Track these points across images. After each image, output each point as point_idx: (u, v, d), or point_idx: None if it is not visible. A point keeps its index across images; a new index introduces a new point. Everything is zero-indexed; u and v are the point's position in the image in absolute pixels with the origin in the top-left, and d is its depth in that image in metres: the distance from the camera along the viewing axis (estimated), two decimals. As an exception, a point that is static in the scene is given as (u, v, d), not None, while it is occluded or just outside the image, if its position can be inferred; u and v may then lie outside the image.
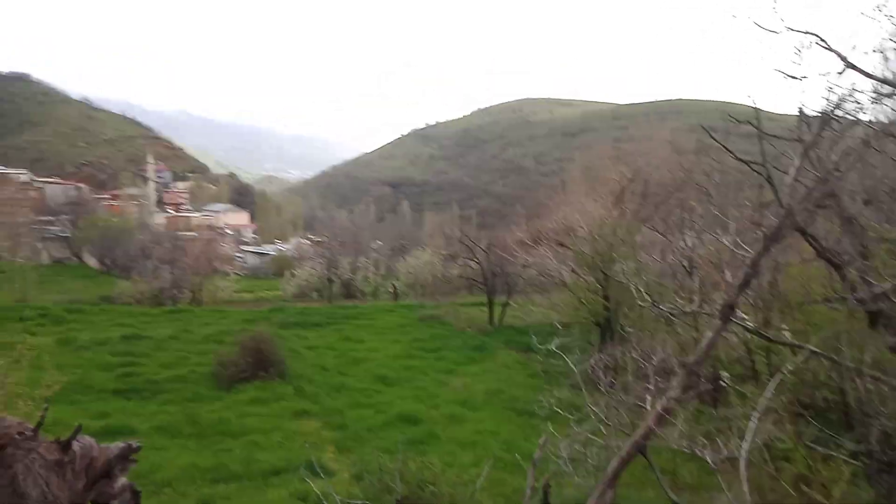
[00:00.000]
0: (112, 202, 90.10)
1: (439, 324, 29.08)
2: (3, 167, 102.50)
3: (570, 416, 6.99)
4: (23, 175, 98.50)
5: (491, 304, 30.21)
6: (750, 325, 8.21)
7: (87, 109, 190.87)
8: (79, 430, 2.96)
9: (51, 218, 62.16)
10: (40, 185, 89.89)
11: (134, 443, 3.51)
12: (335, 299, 40.25)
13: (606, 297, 19.80)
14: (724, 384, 13.83)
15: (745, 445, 5.76)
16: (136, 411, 15.45)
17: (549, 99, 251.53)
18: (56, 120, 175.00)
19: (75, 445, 3.02)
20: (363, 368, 20.78)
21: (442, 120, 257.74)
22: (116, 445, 3.32)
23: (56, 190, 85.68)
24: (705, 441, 6.30)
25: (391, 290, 41.31)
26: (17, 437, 2.91)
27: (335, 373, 20.07)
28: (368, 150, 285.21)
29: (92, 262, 52.88)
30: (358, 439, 14.76)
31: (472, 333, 27.15)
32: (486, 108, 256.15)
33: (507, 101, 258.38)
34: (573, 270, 22.28)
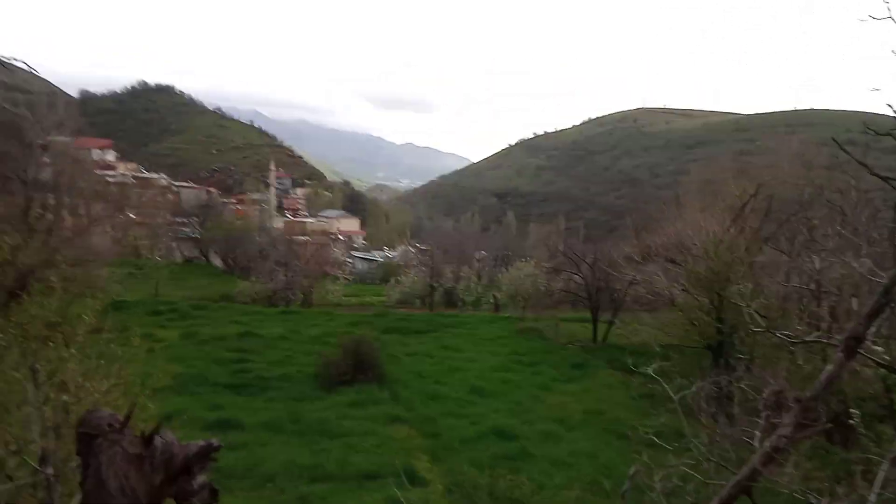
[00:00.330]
0: (237, 206, 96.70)
1: (539, 338, 28.57)
2: (146, 172, 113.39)
3: (668, 447, 6.50)
4: (163, 179, 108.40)
5: (595, 321, 29.27)
6: (884, 358, 7.28)
7: (219, 119, 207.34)
8: (160, 425, 3.08)
9: (184, 219, 67.70)
10: (177, 188, 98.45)
11: (214, 442, 3.58)
12: (437, 307, 40.72)
13: (720, 320, 18.52)
14: (853, 423, 12.45)
15: (873, 497, 5.07)
16: (246, 406, 16.33)
17: (666, 109, 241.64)
18: (193, 128, 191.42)
19: (157, 441, 3.13)
20: (459, 378, 20.77)
21: (551, 130, 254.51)
22: (196, 443, 3.40)
23: (190, 193, 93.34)
24: (825, 487, 5.62)
25: (492, 300, 41.19)
26: (106, 428, 3.06)
27: (431, 381, 20.21)
28: (476, 160, 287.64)
29: (217, 261, 57.05)
30: (451, 449, 14.73)
31: (573, 350, 26.42)
32: (599, 119, 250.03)
33: (620, 110, 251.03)
34: (685, 289, 21.06)
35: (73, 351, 5.36)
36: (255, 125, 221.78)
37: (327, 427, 15.04)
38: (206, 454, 3.58)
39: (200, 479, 3.55)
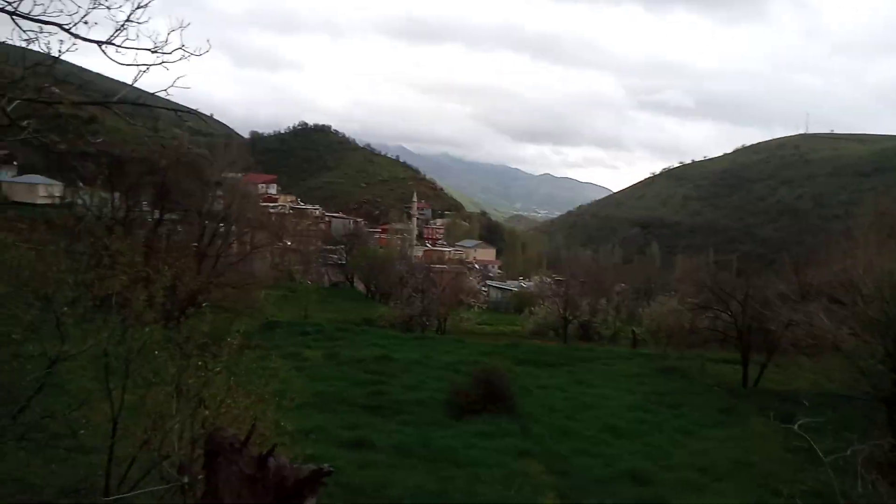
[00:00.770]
0: (381, 235, 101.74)
1: (681, 378, 26.75)
2: (302, 204, 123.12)
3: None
4: (317, 210, 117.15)
5: (746, 363, 26.88)
6: None
7: (369, 155, 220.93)
8: (273, 448, 3.25)
9: (333, 247, 72.49)
10: (328, 218, 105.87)
11: (325, 466, 3.68)
12: (571, 340, 39.68)
13: (897, 370, 16.22)
14: None
15: None
16: (379, 427, 16.85)
17: (833, 134, 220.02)
18: (345, 164, 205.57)
19: (271, 463, 3.30)
20: (592, 415, 19.95)
21: (699, 159, 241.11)
22: (308, 467, 3.53)
23: (339, 223, 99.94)
24: None
25: (631, 335, 39.38)
26: (227, 447, 3.28)
27: (563, 416, 19.61)
28: (616, 190, 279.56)
29: (360, 287, 60.23)
30: (581, 489, 14.11)
31: (721, 393, 24.40)
32: (753, 146, 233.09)
33: (778, 137, 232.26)
34: (853, 333, 18.74)
35: (217, 369, 5.87)
36: (401, 160, 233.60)
37: (455, 455, 15.06)
38: (317, 479, 3.71)
39: (311, 501, 3.68)
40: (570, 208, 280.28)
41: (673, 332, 32.38)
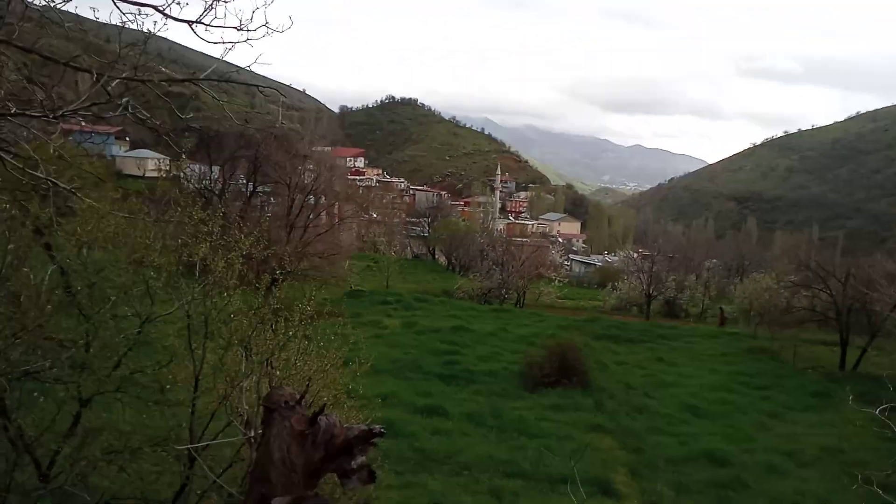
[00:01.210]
0: (463, 208, 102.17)
1: (771, 359, 25.49)
2: (388, 177, 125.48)
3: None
4: (402, 184, 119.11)
5: (844, 346, 25.20)
6: None
7: (454, 127, 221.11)
8: (323, 407, 3.46)
9: (416, 220, 73.68)
10: (413, 191, 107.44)
11: (375, 428, 3.86)
12: (655, 317, 38.58)
13: None
14: None
15: None
16: (452, 396, 17.25)
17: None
18: (430, 137, 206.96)
19: (321, 421, 3.52)
20: (671, 393, 19.48)
21: (805, 128, 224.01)
22: (358, 427, 3.73)
23: (422, 196, 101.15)
24: None
25: (718, 313, 37.77)
26: (283, 405, 3.53)
27: (640, 393, 19.27)
28: (712, 162, 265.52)
29: (442, 259, 61.00)
30: (653, 467, 13.93)
31: (814, 376, 23.10)
32: (870, 113, 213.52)
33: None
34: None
35: (290, 333, 6.26)
36: (485, 132, 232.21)
37: (526, 426, 15.22)
38: (368, 439, 3.92)
39: (360, 459, 3.89)
40: (661, 181, 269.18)
41: (766, 311, 30.73)
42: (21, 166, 4.77)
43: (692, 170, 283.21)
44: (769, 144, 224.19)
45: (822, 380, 22.69)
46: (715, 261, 58.84)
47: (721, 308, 38.43)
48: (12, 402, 5.57)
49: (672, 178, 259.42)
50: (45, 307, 5.53)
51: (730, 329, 33.70)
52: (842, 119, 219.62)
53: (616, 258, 68.40)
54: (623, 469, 13.73)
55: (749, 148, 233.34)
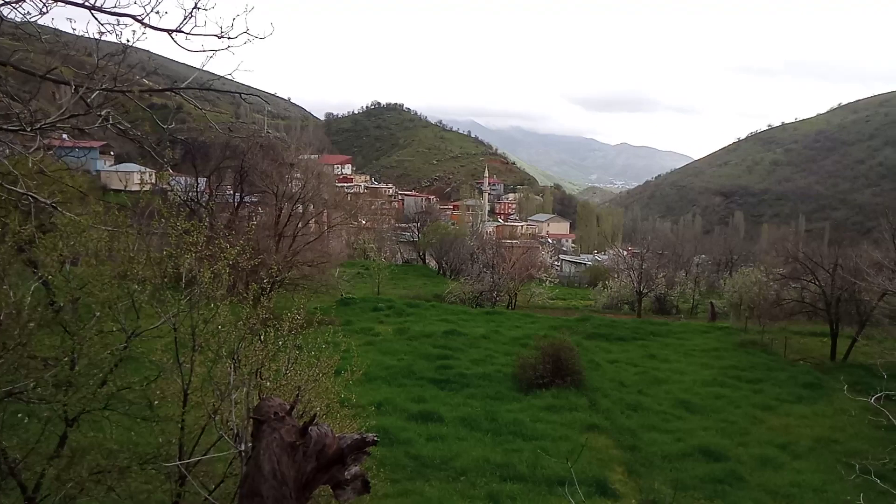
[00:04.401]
0: (453, 212, 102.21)
1: (763, 352, 25.61)
2: (376, 182, 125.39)
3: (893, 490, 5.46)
4: (390, 189, 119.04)
5: (834, 336, 25.38)
6: None
7: (440, 131, 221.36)
8: (314, 417, 3.39)
9: (405, 225, 73.54)
10: (401, 197, 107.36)
11: (368, 436, 3.79)
12: (646, 314, 38.69)
13: None
14: None
15: None
16: (446, 401, 17.15)
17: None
18: (417, 142, 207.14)
19: (312, 431, 3.45)
20: (664, 390, 19.52)
21: (789, 121, 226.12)
22: (351, 436, 3.65)
23: (411, 201, 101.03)
24: None
25: (709, 308, 37.95)
26: (272, 416, 3.45)
27: (633, 391, 19.29)
28: (697, 158, 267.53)
29: (432, 263, 60.90)
30: (649, 465, 13.94)
31: (806, 368, 23.24)
32: (852, 104, 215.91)
33: (883, 93, 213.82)
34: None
35: (279, 343, 6.17)
36: (472, 135, 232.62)
37: (521, 428, 15.16)
38: (361, 447, 3.84)
39: (354, 469, 3.81)
40: (648, 178, 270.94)
41: (756, 305, 30.91)
42: None
43: (678, 166, 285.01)
44: (753, 138, 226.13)
45: (813, 371, 22.84)
46: (704, 256, 59.17)
47: (711, 303, 38.63)
48: (-4, 424, 5.47)
49: (659, 175, 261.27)
50: (28, 325, 5.43)
51: (721, 324, 33.87)
52: (824, 111, 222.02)
53: (606, 257, 68.63)
54: (620, 468, 13.73)
55: (734, 142, 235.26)
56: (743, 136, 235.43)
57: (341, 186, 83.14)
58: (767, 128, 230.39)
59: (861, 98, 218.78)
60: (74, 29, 4.31)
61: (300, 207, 35.37)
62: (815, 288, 26.89)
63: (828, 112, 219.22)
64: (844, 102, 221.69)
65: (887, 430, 15.95)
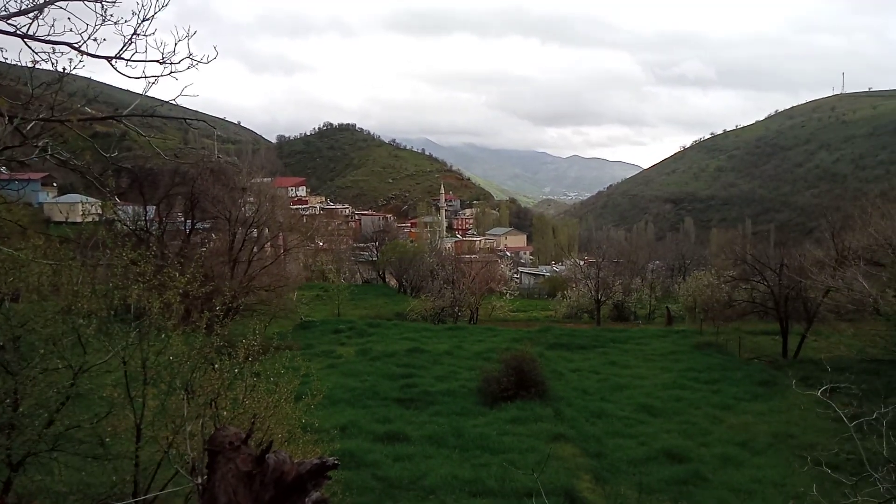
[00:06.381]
0: (410, 229, 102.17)
1: (718, 353, 26.29)
2: (332, 203, 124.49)
3: (846, 480, 5.63)
4: (346, 209, 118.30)
5: (785, 334, 26.28)
6: None
7: (394, 150, 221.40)
8: (270, 444, 3.31)
9: (363, 244, 73.10)
10: (358, 217, 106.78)
11: (328, 460, 3.71)
12: (606, 322, 39.32)
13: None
14: None
15: None
16: (412, 420, 16.99)
17: (872, 92, 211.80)
18: (371, 161, 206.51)
19: (270, 459, 3.36)
20: (626, 395, 19.81)
21: (731, 129, 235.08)
22: (310, 461, 3.57)
23: (368, 221, 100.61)
24: None
25: (665, 313, 38.83)
26: (227, 446, 3.35)
27: (597, 398, 19.50)
28: (646, 167, 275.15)
29: (392, 282, 60.63)
30: (616, 471, 14.06)
31: (760, 366, 23.95)
32: (788, 111, 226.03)
33: (815, 99, 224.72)
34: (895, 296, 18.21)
35: (236, 371, 6.02)
36: (426, 153, 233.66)
37: (488, 442, 15.11)
38: (321, 472, 3.75)
39: (315, 495, 3.72)
40: (600, 188, 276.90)
41: (709, 307, 31.80)
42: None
43: (628, 176, 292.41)
44: (698, 146, 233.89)
45: (767, 368, 23.54)
46: (658, 262, 60.60)
47: (667, 307, 39.52)
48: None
49: (610, 185, 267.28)
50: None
51: (677, 327, 34.66)
52: (762, 118, 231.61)
53: (563, 267, 69.56)
54: (587, 475, 13.80)
55: (679, 151, 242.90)
56: (688, 145, 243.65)
57: (296, 208, 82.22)
58: (711, 136, 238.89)
59: (796, 105, 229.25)
60: (6, 58, 4.17)
61: (255, 232, 34.83)
62: (764, 288, 27.84)
63: (766, 119, 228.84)
64: (781, 109, 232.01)
65: (836, 420, 16.54)
